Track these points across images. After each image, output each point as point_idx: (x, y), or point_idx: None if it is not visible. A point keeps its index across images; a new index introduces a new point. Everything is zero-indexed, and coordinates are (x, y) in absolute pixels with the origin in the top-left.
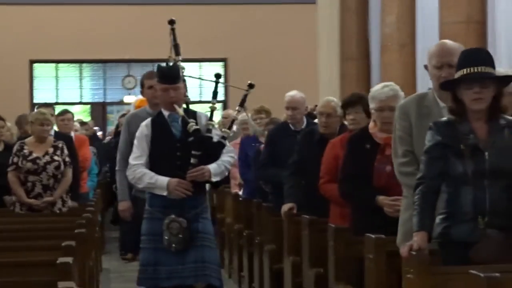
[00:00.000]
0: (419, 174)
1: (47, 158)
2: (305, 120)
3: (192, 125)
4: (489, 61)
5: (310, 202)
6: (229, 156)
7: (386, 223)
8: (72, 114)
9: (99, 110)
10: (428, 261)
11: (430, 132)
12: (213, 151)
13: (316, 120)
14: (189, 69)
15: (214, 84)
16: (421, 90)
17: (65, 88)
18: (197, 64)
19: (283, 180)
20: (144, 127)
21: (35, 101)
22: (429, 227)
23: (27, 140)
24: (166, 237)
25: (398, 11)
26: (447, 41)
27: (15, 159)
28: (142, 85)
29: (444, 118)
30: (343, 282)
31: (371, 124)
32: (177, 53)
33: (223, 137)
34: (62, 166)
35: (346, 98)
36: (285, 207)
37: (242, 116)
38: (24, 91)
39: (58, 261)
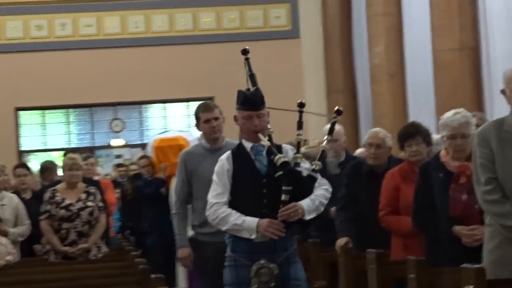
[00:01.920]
0: None
1: (80, 204)
2: (344, 153)
3: (280, 157)
4: None
5: (363, 236)
6: (323, 189)
7: (464, 254)
8: (96, 159)
9: None
10: None
11: None
12: (304, 185)
13: (357, 153)
14: (177, 110)
15: (298, 114)
16: (412, 118)
17: (52, 134)
18: (184, 104)
19: (334, 215)
20: (225, 161)
21: (22, 148)
22: None
23: (58, 186)
24: (255, 286)
25: (385, 41)
26: None
27: (48, 207)
28: (197, 119)
29: None
30: None
31: (443, 152)
32: (254, 83)
33: (314, 170)
34: (96, 212)
35: (404, 130)
36: (341, 242)
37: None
38: (10, 139)
39: None
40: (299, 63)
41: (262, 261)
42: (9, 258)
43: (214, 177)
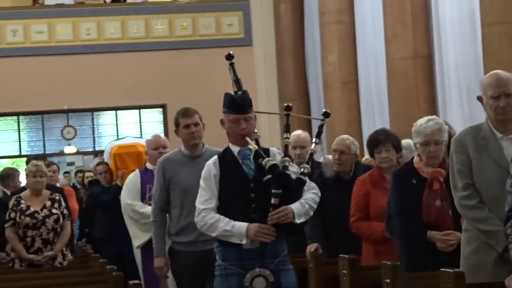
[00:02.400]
0: (507, 207)
1: (46, 211)
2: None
3: (268, 160)
4: None
5: (332, 242)
6: (312, 193)
7: (438, 259)
8: (58, 166)
9: None
10: None
11: None
12: (294, 189)
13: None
14: (129, 117)
15: (285, 117)
16: (366, 126)
17: (2, 142)
18: (136, 111)
19: None
20: (212, 166)
21: None
22: None
23: (23, 194)
24: None
25: (338, 49)
26: (500, 71)
27: (12, 215)
28: (177, 125)
29: None
30: None
31: (416, 159)
32: (239, 88)
33: (302, 173)
34: (61, 219)
35: (374, 137)
36: (311, 248)
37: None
38: None
39: None
40: (251, 70)
41: (257, 269)
42: None
43: (201, 182)
